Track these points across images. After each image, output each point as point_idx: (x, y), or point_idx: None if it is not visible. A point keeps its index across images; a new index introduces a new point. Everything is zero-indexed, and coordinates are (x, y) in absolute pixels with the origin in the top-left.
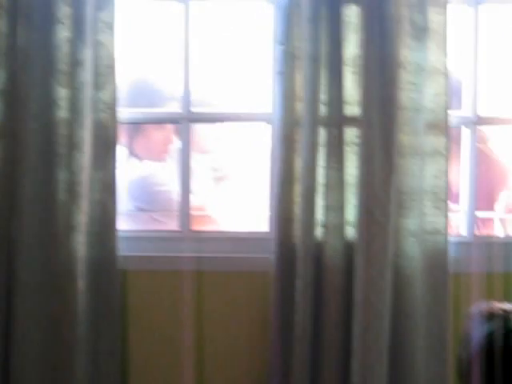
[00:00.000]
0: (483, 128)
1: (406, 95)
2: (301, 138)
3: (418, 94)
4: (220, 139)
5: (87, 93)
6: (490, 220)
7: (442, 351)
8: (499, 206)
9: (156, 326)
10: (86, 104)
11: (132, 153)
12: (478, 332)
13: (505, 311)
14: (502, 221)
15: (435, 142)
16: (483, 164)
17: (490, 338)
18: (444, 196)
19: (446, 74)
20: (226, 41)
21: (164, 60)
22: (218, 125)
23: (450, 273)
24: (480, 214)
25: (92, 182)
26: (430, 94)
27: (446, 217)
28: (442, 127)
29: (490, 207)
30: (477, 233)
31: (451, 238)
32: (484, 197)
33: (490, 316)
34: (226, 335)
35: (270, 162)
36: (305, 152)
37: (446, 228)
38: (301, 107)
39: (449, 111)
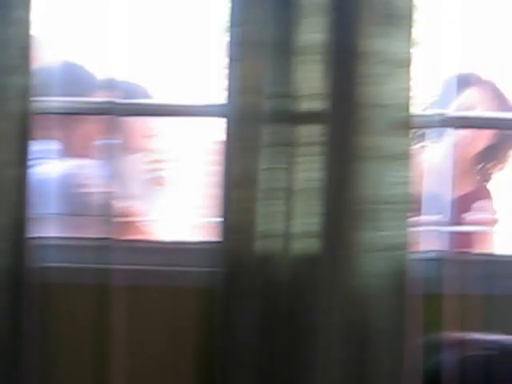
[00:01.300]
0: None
1: (366, 90)
2: (256, 135)
3: (380, 88)
4: (158, 135)
5: None
6: (465, 235)
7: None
8: (473, 218)
9: (81, 347)
10: None
11: (52, 148)
12: (423, 364)
13: (458, 341)
14: (477, 235)
15: (398, 143)
16: (454, 170)
17: (432, 371)
18: (406, 206)
19: (412, 67)
20: (168, 23)
21: (95, 42)
22: (155, 119)
23: (412, 294)
24: (450, 227)
25: (2, 181)
26: (394, 90)
27: (408, 230)
28: (406, 127)
29: (462, 220)
30: (447, 249)
31: (414, 255)
32: (456, 208)
33: (439, 347)
34: (160, 359)
35: (221, 162)
36: (255, 153)
37: (406, 243)
38: (257, 100)
39: (415, 109)
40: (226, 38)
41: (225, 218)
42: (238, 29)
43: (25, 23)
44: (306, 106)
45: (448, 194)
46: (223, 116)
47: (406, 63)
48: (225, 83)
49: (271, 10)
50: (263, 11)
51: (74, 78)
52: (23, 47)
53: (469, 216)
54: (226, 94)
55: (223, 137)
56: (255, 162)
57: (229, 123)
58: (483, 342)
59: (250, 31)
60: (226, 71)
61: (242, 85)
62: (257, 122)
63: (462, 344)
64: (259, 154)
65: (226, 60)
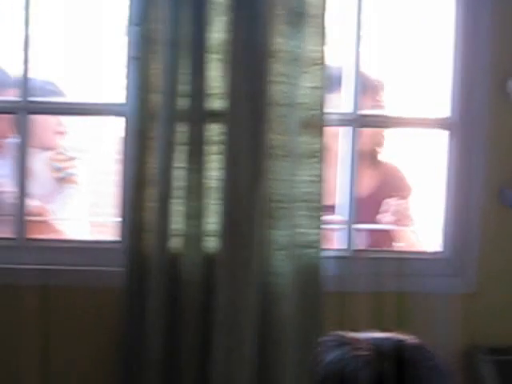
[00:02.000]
0: (366, 128)
1: (277, 89)
2: (156, 134)
3: (291, 87)
4: (67, 133)
5: None
6: (378, 232)
7: (310, 381)
8: (385, 216)
9: None
10: None
11: None
12: (320, 361)
13: (352, 340)
14: (389, 233)
15: (310, 142)
16: (367, 169)
17: (327, 368)
18: (318, 204)
19: (323, 66)
20: (76, 20)
21: (8, 40)
22: (65, 117)
23: (324, 292)
24: (362, 225)
25: None
26: (307, 88)
27: (321, 228)
28: (318, 126)
29: (375, 217)
30: (359, 246)
31: (327, 253)
32: (369, 206)
33: (336, 345)
34: (71, 358)
35: (121, 161)
36: (160, 151)
37: (319, 241)
38: (157, 99)
39: (326, 108)
40: (126, 37)
41: (127, 218)
42: (138, 27)
43: None
44: (213, 104)
45: (361, 192)
46: (123, 115)
47: (318, 62)
48: (125, 82)
49: (173, 8)
50: (163, 10)
51: None
52: None
53: (382, 214)
54: (126, 92)
55: (123, 135)
56: (157, 160)
57: (128, 122)
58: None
59: (150, 30)
60: (126, 70)
61: (141, 83)
62: (158, 121)
63: (353, 343)
64: (171, 153)
65: (126, 59)
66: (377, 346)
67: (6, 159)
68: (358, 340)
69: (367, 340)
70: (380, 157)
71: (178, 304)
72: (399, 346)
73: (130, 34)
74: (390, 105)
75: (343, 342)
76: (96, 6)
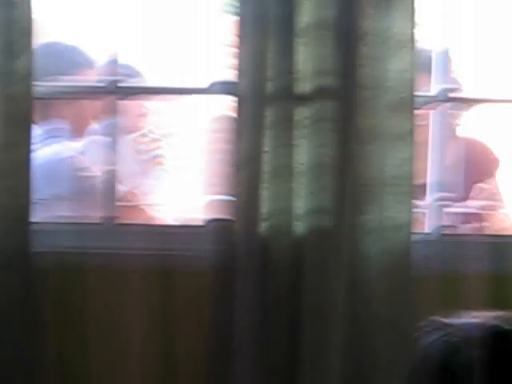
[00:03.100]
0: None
1: (366, 71)
2: (245, 118)
3: (380, 70)
4: (153, 117)
5: None
6: (466, 215)
7: (403, 366)
8: (475, 198)
9: (80, 333)
10: None
11: (48, 131)
12: (421, 346)
13: (447, 325)
14: (479, 216)
15: (398, 125)
16: (458, 152)
17: (427, 352)
18: (408, 187)
19: (412, 48)
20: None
21: (89, 22)
22: (150, 101)
23: (415, 275)
24: (452, 208)
25: (1, 165)
26: (394, 71)
27: (410, 211)
28: (407, 109)
29: (465, 200)
30: (447, 230)
31: (416, 236)
32: (458, 189)
33: (435, 329)
34: (156, 341)
35: (209, 146)
36: (248, 135)
37: (409, 224)
38: (245, 83)
39: (416, 90)
40: (229, 17)
41: (232, 197)
42: (242, 7)
43: (26, 5)
44: (302, 87)
45: (450, 175)
46: (231, 94)
47: (408, 43)
48: (231, 62)
49: None
50: None
51: (71, 60)
52: (25, 30)
53: (473, 196)
54: (233, 72)
55: (230, 115)
56: (246, 144)
57: (239, 102)
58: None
59: (253, 10)
60: (232, 50)
61: (249, 63)
62: (263, 101)
63: (447, 328)
64: (258, 136)
65: (231, 39)
66: (470, 331)
67: (94, 143)
68: (452, 326)
69: (461, 325)
70: (460, 132)
71: (267, 288)
72: (493, 332)
73: (220, 17)
74: (470, 85)
75: (437, 328)
76: None
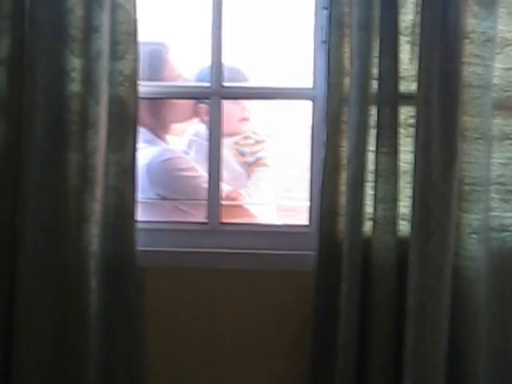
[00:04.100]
0: None
1: (470, 70)
2: (348, 118)
3: (485, 68)
4: (251, 119)
5: (104, 63)
6: None
7: (505, 368)
8: None
9: (178, 332)
10: (103, 76)
11: (153, 133)
12: None
13: None
14: None
15: (504, 124)
16: None
17: None
18: None
19: None
20: (262, 5)
21: (191, 25)
22: (252, 102)
23: None
24: None
25: (108, 165)
26: (500, 70)
27: None
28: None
29: None
30: None
31: None
32: None
33: None
34: (257, 343)
35: (313, 146)
36: (353, 134)
37: None
38: (348, 82)
39: None
40: (322, 20)
41: (318, 202)
42: (327, 11)
43: (131, 8)
44: (405, 87)
45: None
46: (311, 99)
47: (511, 43)
48: (318, 65)
49: None
50: None
51: (171, 61)
52: (129, 33)
53: None
54: (320, 76)
55: (312, 119)
56: (349, 144)
57: (316, 106)
58: None
59: (340, 13)
60: (319, 53)
61: (332, 67)
62: (362, 104)
63: None
64: (363, 136)
65: (319, 42)
66: None
67: (197, 144)
68: None
69: None
70: None
71: (370, 288)
72: None
73: (318, 17)
74: None
75: None
76: None
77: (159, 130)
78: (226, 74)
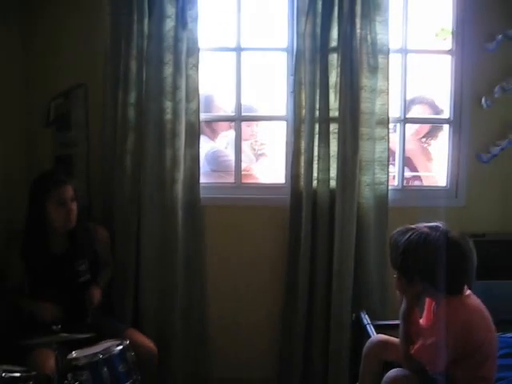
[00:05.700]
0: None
1: (364, 105)
2: (304, 130)
3: (371, 105)
4: (260, 132)
5: (183, 104)
6: (416, 177)
7: (384, 259)
8: (421, 169)
9: (230, 250)
10: (182, 111)
11: (208, 138)
12: (400, 239)
13: (414, 229)
14: (422, 177)
15: (382, 131)
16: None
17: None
18: (386, 162)
19: None
20: (255, 73)
21: (224, 81)
22: (257, 123)
23: (388, 207)
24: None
25: (185, 155)
26: (379, 104)
27: (387, 174)
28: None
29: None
30: (404, 184)
31: (390, 187)
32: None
33: (406, 231)
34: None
35: (287, 143)
36: (307, 138)
37: (386, 181)
38: (304, 112)
39: None
40: (291, 81)
41: (292, 171)
42: (295, 76)
43: (197, 77)
44: (333, 113)
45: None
46: (289, 120)
47: None
48: (290, 103)
49: (316, 65)
50: (312, 66)
51: (212, 102)
52: (194, 88)
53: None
54: (290, 108)
55: (289, 131)
56: (310, 142)
57: (294, 124)
58: None
59: (302, 77)
60: (290, 98)
61: (298, 104)
62: (311, 123)
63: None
64: (312, 139)
65: (290, 92)
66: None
67: (230, 143)
68: (419, 226)
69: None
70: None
71: (316, 216)
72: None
73: (289, 79)
74: None
75: (409, 229)
76: (267, 64)
77: (211, 136)
78: (243, 108)
